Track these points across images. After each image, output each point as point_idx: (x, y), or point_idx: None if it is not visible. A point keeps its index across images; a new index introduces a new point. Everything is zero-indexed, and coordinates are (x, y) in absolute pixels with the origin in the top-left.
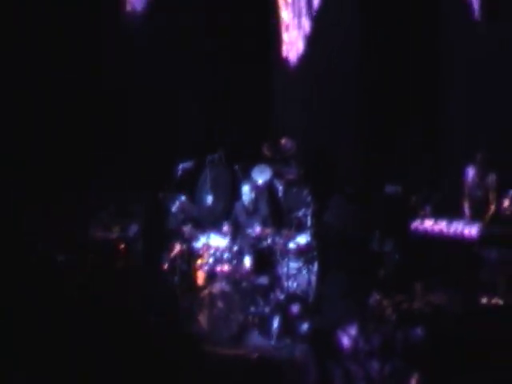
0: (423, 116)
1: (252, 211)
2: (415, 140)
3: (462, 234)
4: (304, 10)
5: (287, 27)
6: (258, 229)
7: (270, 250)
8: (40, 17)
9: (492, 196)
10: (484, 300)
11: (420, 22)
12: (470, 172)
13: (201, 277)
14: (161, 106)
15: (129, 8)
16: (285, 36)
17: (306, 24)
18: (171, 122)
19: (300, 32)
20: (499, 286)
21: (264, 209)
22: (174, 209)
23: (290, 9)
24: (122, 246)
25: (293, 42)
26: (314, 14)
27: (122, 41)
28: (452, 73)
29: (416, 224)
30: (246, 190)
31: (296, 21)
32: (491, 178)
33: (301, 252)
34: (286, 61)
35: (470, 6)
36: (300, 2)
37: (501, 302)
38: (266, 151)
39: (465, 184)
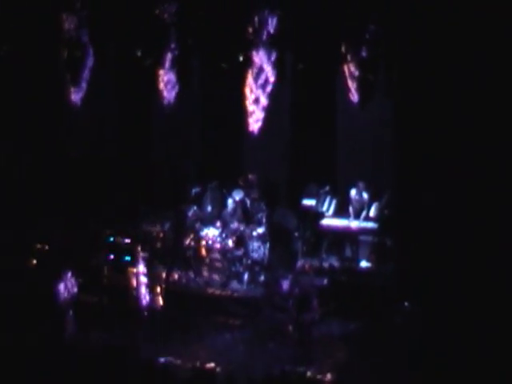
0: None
1: (233, 214)
2: (321, 175)
3: (347, 227)
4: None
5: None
6: (236, 224)
7: (243, 236)
8: None
9: (365, 206)
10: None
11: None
12: (353, 192)
13: (204, 251)
14: None
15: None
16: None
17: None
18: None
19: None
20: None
21: (239, 213)
22: (190, 214)
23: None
24: (161, 234)
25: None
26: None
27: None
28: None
29: (322, 222)
30: (229, 203)
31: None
32: (365, 196)
33: (259, 236)
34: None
35: (351, 96)
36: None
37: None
38: (240, 182)
39: (351, 198)
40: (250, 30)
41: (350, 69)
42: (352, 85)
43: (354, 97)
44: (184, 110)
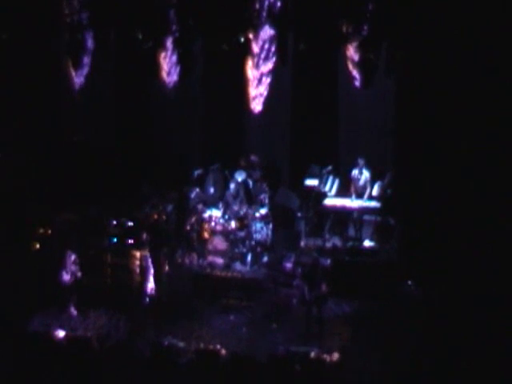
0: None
1: (235, 196)
2: (323, 156)
3: (350, 207)
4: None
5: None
6: (239, 206)
7: (246, 217)
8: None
9: (367, 185)
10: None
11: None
12: (355, 171)
13: (207, 233)
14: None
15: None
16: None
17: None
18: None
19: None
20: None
21: (242, 194)
22: (192, 196)
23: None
24: (164, 216)
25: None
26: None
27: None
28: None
29: (324, 202)
30: (232, 184)
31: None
32: (366, 173)
33: (262, 217)
34: (254, 111)
35: (353, 77)
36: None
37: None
38: (242, 163)
39: (352, 177)
40: (251, 9)
41: (351, 51)
42: (353, 68)
43: (357, 79)
44: (185, 92)
